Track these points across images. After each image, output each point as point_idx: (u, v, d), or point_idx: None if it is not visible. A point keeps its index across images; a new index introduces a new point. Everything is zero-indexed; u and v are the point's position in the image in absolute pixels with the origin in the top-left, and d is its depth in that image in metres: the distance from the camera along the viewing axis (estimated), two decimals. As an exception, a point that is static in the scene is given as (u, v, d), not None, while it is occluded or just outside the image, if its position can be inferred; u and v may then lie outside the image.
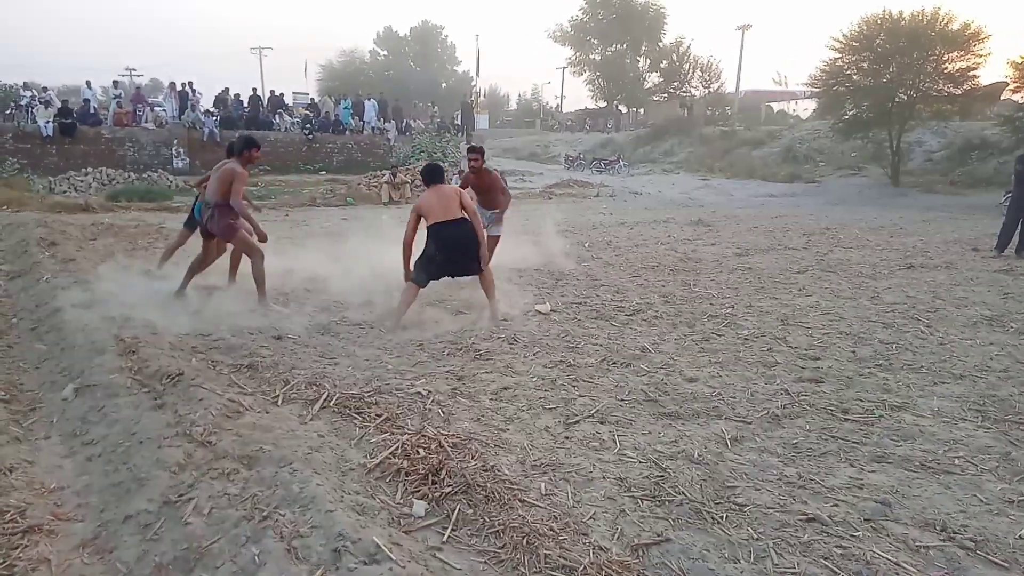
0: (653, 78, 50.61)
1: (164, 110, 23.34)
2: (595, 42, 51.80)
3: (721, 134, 33.98)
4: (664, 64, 48.19)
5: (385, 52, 61.25)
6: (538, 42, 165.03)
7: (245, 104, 24.99)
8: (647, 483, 3.08)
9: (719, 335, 5.56)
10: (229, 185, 5.88)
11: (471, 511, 2.77)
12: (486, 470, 3.08)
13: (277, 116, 25.10)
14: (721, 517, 2.79)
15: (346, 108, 26.47)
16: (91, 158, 19.90)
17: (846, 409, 3.97)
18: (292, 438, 3.25)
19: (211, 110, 23.35)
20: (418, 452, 3.18)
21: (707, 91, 45.25)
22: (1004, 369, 4.78)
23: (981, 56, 21.27)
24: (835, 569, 2.45)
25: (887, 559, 2.52)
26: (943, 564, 2.51)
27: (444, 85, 59.51)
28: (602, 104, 53.25)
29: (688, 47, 46.59)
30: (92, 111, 21.73)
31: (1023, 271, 8.65)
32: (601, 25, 50.29)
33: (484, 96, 59.31)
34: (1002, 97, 24.86)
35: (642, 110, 52.61)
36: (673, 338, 5.47)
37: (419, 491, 2.90)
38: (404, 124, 27.81)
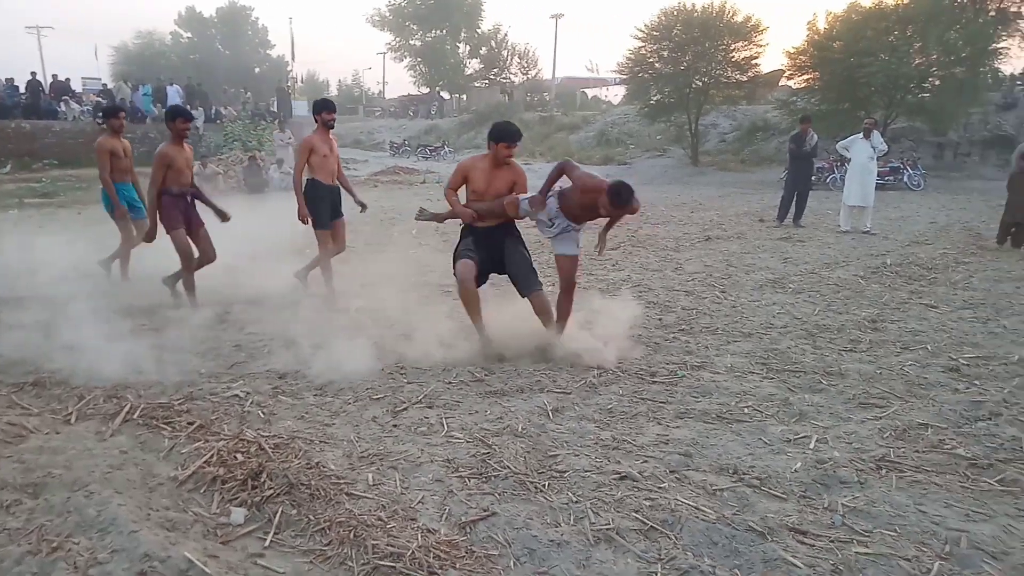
0: (474, 64, 51.30)
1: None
2: (414, 28, 51.49)
3: (540, 119, 35.21)
4: (483, 51, 49.01)
5: (189, 34, 56.68)
6: (357, 27, 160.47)
7: (22, 90, 22.07)
8: (474, 461, 3.15)
9: (541, 313, 5.77)
10: None
11: (295, 511, 2.68)
12: (310, 468, 3.00)
13: (63, 104, 22.43)
14: (544, 485, 2.93)
15: (146, 95, 24.23)
16: None
17: (654, 372, 4.31)
18: (88, 458, 2.97)
19: (-21, 98, 20.41)
20: (235, 457, 3.02)
21: (526, 77, 46.69)
22: (784, 325, 5.41)
23: (761, 46, 23.85)
24: (644, 520, 2.66)
25: (689, 505, 2.77)
26: (735, 503, 2.81)
27: (257, 70, 56.25)
28: (425, 90, 53.12)
29: (506, 34, 47.76)
30: None
31: (800, 238, 9.82)
32: (420, 10, 50.09)
33: (302, 82, 56.89)
34: (780, 83, 27.92)
35: (464, 96, 53.14)
36: (499, 320, 5.60)
37: (237, 498, 2.76)
38: (214, 111, 25.98)
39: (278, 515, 2.65)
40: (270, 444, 3.18)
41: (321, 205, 6.12)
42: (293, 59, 43.11)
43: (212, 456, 3.04)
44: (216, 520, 2.62)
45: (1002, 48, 22.12)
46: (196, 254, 5.82)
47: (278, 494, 2.77)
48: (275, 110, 28.47)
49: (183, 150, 5.76)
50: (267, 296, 6.21)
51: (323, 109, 6.19)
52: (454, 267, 4.68)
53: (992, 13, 24.16)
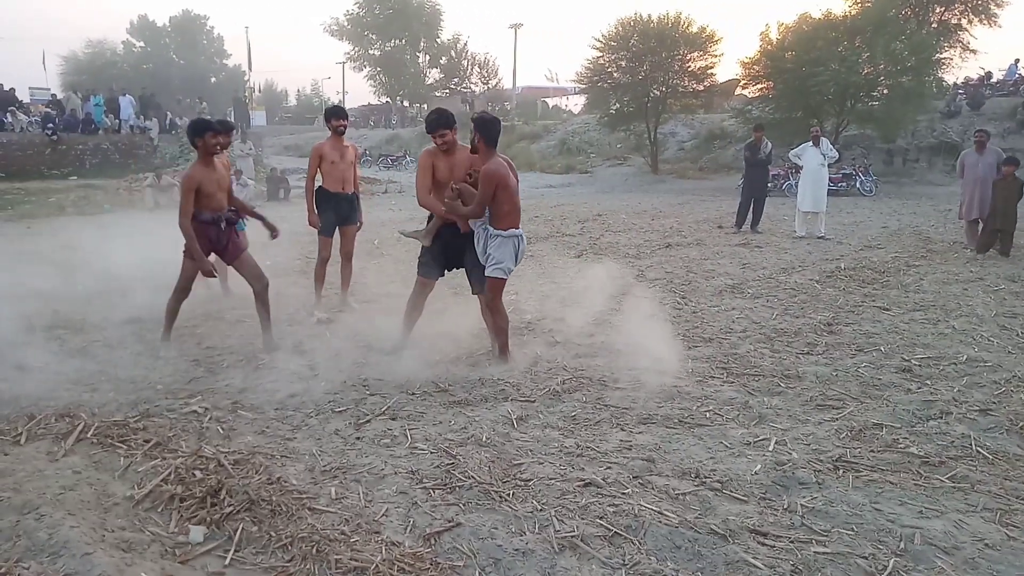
0: (434, 74, 51.30)
1: None
2: (373, 37, 51.28)
3: (502, 129, 35.29)
4: (444, 60, 49.00)
5: (141, 43, 55.55)
6: (315, 36, 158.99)
7: (-38, 101, 21.38)
8: (438, 472, 3.14)
9: (505, 321, 5.78)
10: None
11: (256, 528, 2.63)
12: (271, 483, 2.95)
13: (8, 115, 21.75)
14: (508, 494, 2.93)
15: (97, 105, 23.63)
16: None
17: (616, 379, 4.34)
18: (39, 479, 2.88)
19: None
20: (194, 475, 2.96)
21: (487, 87, 46.79)
22: (743, 330, 5.51)
23: (716, 56, 24.28)
24: (609, 526, 2.67)
25: (652, 510, 2.79)
26: (697, 507, 2.84)
27: (213, 80, 55.42)
28: (385, 100, 52.90)
29: (465, 44, 47.84)
30: None
31: (757, 243, 10.02)
32: (378, 20, 49.90)
33: (259, 91, 56.21)
34: (736, 92, 28.49)
35: (425, 106, 53.04)
36: (462, 327, 5.60)
37: (196, 516, 2.70)
38: (169, 122, 25.47)
39: (238, 532, 2.60)
40: (229, 460, 3.12)
41: (325, 212, 6.08)
42: (250, 68, 42.51)
43: (170, 474, 2.97)
44: (174, 539, 2.56)
45: (944, 58, 22.96)
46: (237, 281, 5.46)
47: (238, 511, 2.72)
48: (232, 120, 28.02)
49: (214, 170, 4.82)
50: (226, 310, 6.11)
51: (332, 116, 6.13)
52: (418, 271, 4.90)
53: (934, 25, 25.08)
